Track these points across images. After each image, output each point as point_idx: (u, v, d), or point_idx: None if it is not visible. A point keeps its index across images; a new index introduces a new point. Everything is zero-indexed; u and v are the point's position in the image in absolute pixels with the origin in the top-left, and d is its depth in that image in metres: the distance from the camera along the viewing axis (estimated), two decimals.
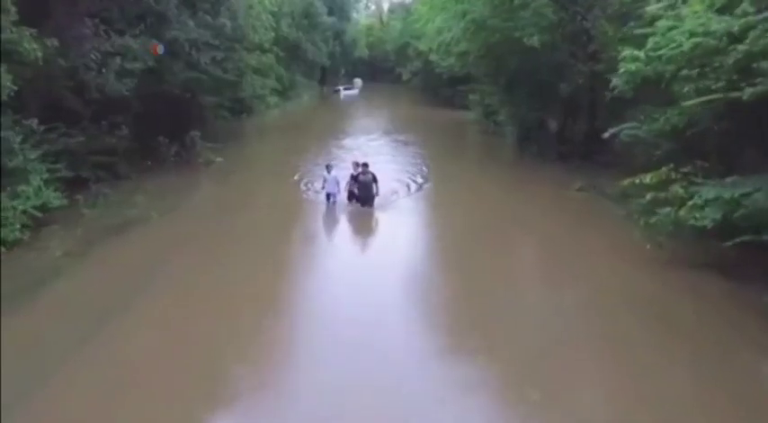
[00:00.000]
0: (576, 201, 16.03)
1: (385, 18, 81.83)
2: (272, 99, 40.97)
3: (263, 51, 30.12)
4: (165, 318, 8.32)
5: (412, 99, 52.83)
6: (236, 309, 8.67)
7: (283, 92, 45.29)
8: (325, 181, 14.26)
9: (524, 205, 15.40)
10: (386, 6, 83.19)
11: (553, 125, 23.82)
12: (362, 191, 13.79)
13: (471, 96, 32.23)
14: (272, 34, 24.29)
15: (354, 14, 79.07)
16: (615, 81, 12.32)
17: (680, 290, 9.74)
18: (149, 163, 18.84)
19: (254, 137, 26.40)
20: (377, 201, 14.22)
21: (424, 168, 19.35)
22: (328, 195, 14.21)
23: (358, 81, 67.01)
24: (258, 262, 10.75)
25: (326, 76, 67.21)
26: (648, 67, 11.29)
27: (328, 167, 14.49)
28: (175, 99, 19.40)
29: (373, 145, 24.18)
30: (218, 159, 20.30)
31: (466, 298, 9.68)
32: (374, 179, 13.84)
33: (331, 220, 14.14)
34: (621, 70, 11.82)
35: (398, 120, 36.53)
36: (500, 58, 21.47)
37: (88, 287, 9.41)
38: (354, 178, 13.97)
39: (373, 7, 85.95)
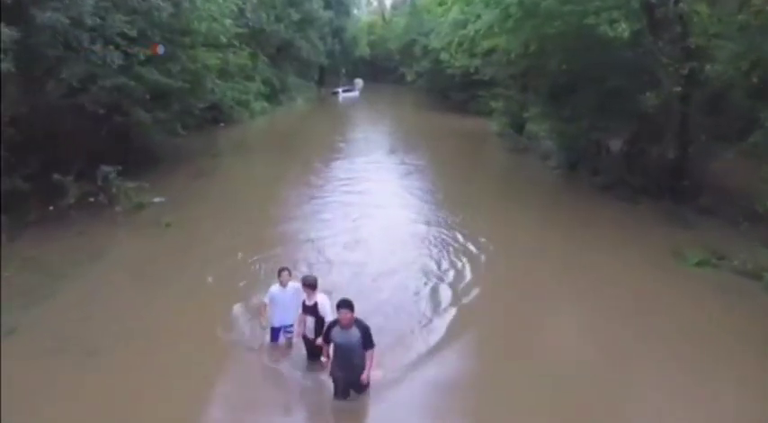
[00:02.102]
0: (711, 289, 9.50)
1: (388, 15, 75.13)
2: (258, 104, 34.60)
3: (242, 49, 23.66)
4: None
5: (418, 103, 46.37)
6: None
7: (273, 95, 38.85)
8: (272, 302, 6.75)
9: (639, 306, 8.84)
10: (389, 2, 76.46)
11: (616, 146, 17.36)
12: (343, 366, 5.72)
13: (494, 103, 25.78)
14: (229, 22, 17.60)
15: (355, 11, 72.57)
16: None
17: None
18: (52, 208, 12.60)
19: (223, 159, 19.85)
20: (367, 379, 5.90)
21: (451, 231, 11.97)
22: (274, 332, 6.88)
23: (359, 82, 60.90)
24: None
25: (325, 77, 60.72)
26: None
27: (282, 275, 6.69)
28: (89, 117, 13.05)
29: (374, 175, 17.51)
30: (156, 200, 13.91)
31: None
32: (365, 338, 5.62)
33: None
34: None
35: (405, 130, 30.10)
36: (551, 57, 14.98)
37: None
38: (310, 312, 6.26)
39: (375, 3, 79.25)
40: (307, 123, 33.18)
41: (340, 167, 18.33)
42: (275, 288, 6.73)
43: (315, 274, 7.13)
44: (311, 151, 21.47)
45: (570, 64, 14.52)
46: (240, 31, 19.92)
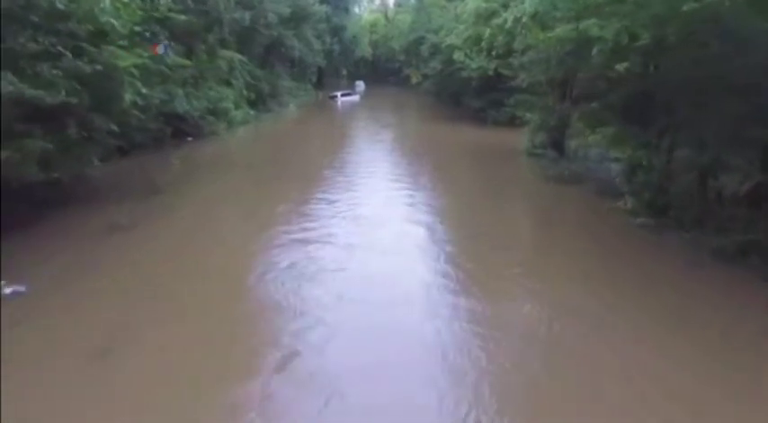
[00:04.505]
0: None
1: (391, 13, 69.22)
2: (240, 113, 28.88)
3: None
4: None
5: (425, 109, 40.50)
6: None
7: (261, 101, 33.14)
8: None
9: None
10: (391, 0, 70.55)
11: (731, 184, 11.34)
12: None
13: (529, 115, 19.88)
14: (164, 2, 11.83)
15: (356, 9, 66.80)
16: None
17: None
18: None
19: (163, 198, 13.68)
20: None
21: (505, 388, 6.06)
22: None
23: (360, 84, 55.43)
24: None
25: (324, 79, 54.97)
26: None
27: None
28: None
29: (366, 239, 10.66)
30: (8, 291, 8.16)
31: None
32: None
33: None
34: None
35: (413, 149, 24.14)
36: (673, 51, 9.03)
37: None
38: None
39: (378, 1, 73.32)
40: (293, 138, 27.13)
41: (318, 221, 12.08)
42: None
43: None
44: (285, 187, 15.56)
45: (700, 63, 8.56)
46: (182, 17, 13.94)
